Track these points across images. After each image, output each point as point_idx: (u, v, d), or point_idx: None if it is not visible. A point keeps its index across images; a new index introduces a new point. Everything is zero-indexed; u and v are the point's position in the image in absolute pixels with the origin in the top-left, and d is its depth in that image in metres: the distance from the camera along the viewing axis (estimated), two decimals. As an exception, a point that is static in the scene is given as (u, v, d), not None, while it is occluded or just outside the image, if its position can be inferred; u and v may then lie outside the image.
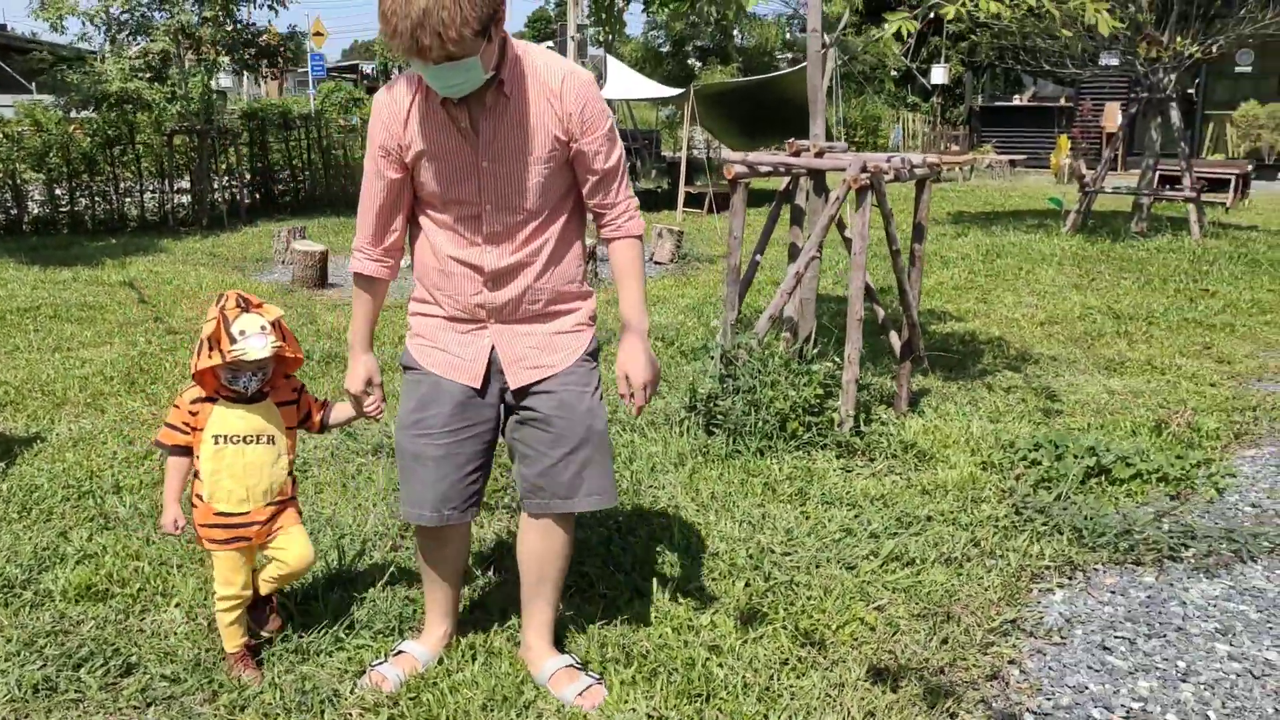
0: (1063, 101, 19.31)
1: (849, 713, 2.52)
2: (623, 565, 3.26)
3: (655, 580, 3.14)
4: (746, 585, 3.15)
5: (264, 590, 2.76)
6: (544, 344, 2.52)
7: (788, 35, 30.24)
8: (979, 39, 13.22)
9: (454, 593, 2.77)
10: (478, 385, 2.51)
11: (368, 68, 37.99)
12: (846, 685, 2.63)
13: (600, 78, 18.19)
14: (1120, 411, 4.97)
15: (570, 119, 2.37)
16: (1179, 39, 10.35)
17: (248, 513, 2.60)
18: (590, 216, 2.56)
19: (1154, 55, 10.29)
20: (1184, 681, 2.72)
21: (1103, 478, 4.01)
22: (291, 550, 2.67)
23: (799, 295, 4.73)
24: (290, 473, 2.68)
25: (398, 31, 2.05)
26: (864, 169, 4.20)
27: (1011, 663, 2.80)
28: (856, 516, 3.64)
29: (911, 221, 4.92)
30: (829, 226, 4.45)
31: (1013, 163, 18.05)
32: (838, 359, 4.63)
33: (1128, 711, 2.58)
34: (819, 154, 4.49)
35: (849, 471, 4.11)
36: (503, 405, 2.57)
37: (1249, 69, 17.88)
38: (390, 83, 2.42)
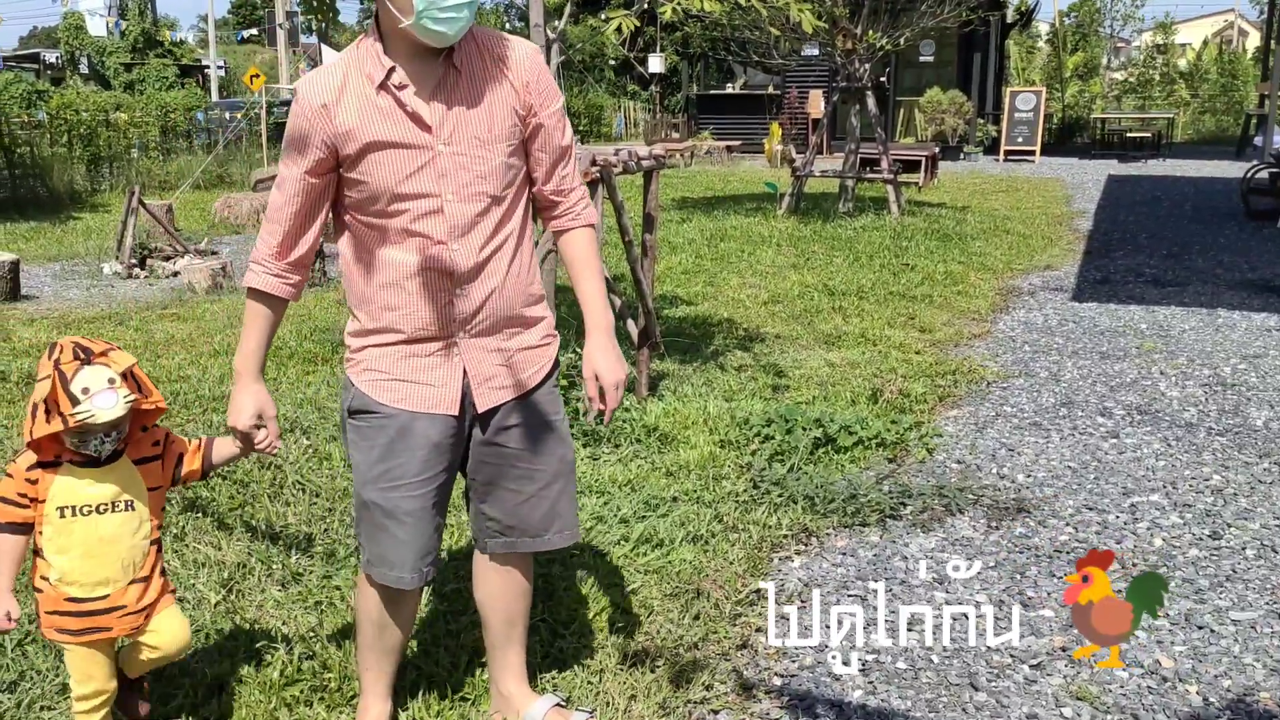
0: (771, 90, 20.37)
1: (611, 699, 2.58)
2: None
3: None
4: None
5: (132, 674, 2.36)
6: (512, 360, 2.24)
7: (506, 25, 30.21)
8: (691, 30, 13.74)
9: (398, 663, 2.45)
10: (456, 412, 2.20)
11: (51, 56, 34.84)
12: (606, 672, 2.69)
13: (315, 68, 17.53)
14: (841, 383, 5.32)
15: (528, 89, 2.15)
16: (870, 32, 11.15)
17: (106, 595, 2.18)
18: (535, 207, 2.31)
19: (849, 47, 11.04)
20: (910, 630, 2.95)
21: (829, 447, 4.29)
22: (163, 633, 2.27)
23: (536, 288, 4.76)
24: (156, 541, 2.27)
25: None
26: (593, 163, 4.28)
27: (759, 630, 2.96)
28: (606, 504, 3.72)
29: (642, 211, 5.06)
30: (562, 219, 4.50)
31: (730, 149, 18.88)
32: (579, 350, 4.70)
33: (864, 664, 2.79)
34: (548, 148, 4.53)
35: (596, 460, 4.19)
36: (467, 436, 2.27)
37: (930, 58, 19.53)
38: (310, 73, 2.14)
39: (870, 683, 2.71)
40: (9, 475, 2.17)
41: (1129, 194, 13.70)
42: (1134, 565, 3.36)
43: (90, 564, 2.17)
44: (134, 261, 8.87)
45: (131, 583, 2.21)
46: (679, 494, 3.85)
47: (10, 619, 2.16)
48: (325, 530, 3.53)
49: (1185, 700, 2.62)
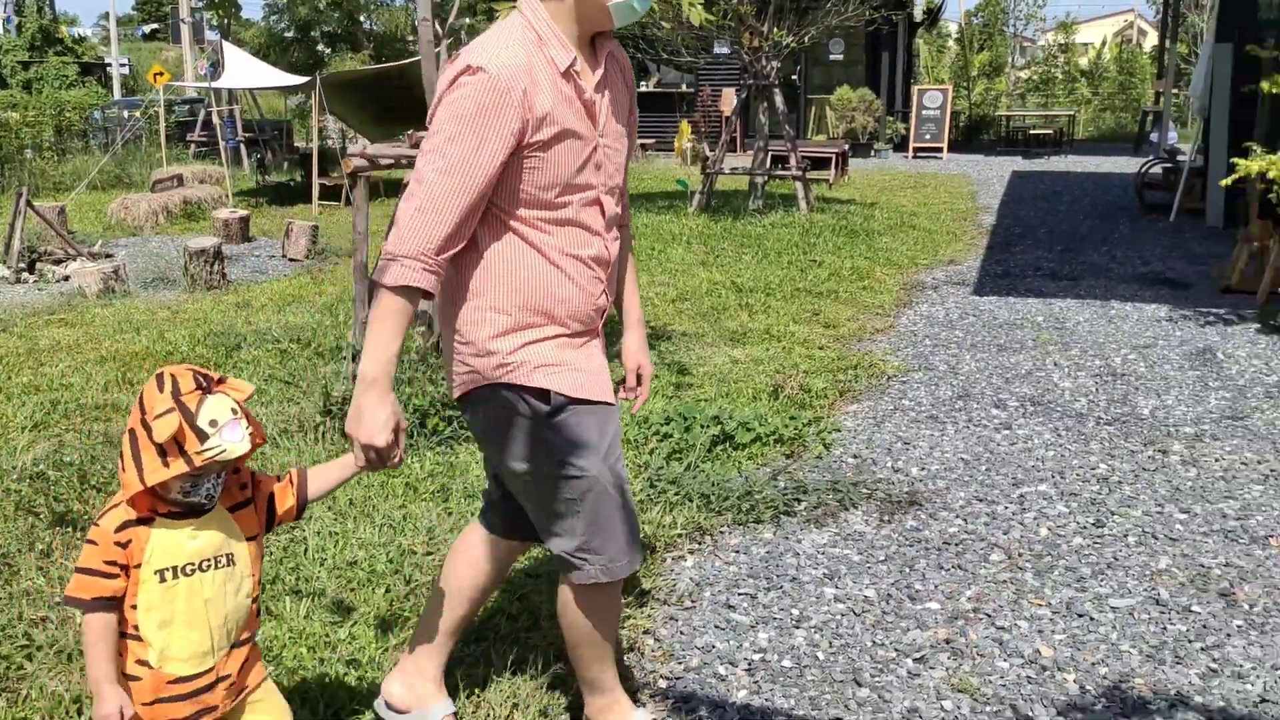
0: (684, 88, 20.43)
1: (491, 708, 2.53)
2: (253, 587, 3.08)
3: (288, 598, 2.99)
4: (387, 591, 3.08)
5: None
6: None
7: (416, 21, 29.86)
8: (602, 28, 13.70)
9: None
10: (613, 400, 2.19)
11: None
12: (491, 680, 2.64)
13: (218, 66, 17.10)
14: (743, 380, 5.32)
15: (630, 89, 2.22)
16: (776, 30, 11.22)
17: (211, 669, 1.89)
18: None
19: (756, 45, 11.10)
20: (798, 628, 2.95)
21: (727, 444, 4.28)
22: (269, 715, 2.02)
23: (431, 289, 4.68)
24: (255, 599, 1.98)
25: None
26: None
27: (646, 632, 2.93)
28: (498, 507, 3.66)
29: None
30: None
31: (644, 146, 18.87)
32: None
33: (749, 664, 2.78)
34: (439, 145, 4.45)
35: (491, 462, 4.13)
36: None
37: (840, 57, 19.76)
38: (488, 50, 1.97)
39: (755, 682, 2.70)
40: (92, 541, 1.81)
41: (1031, 189, 14.00)
42: (1020, 555, 3.41)
43: (194, 634, 1.87)
44: (22, 265, 8.54)
45: (233, 647, 1.94)
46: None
47: (124, 716, 1.80)
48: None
49: (1063, 689, 2.66)
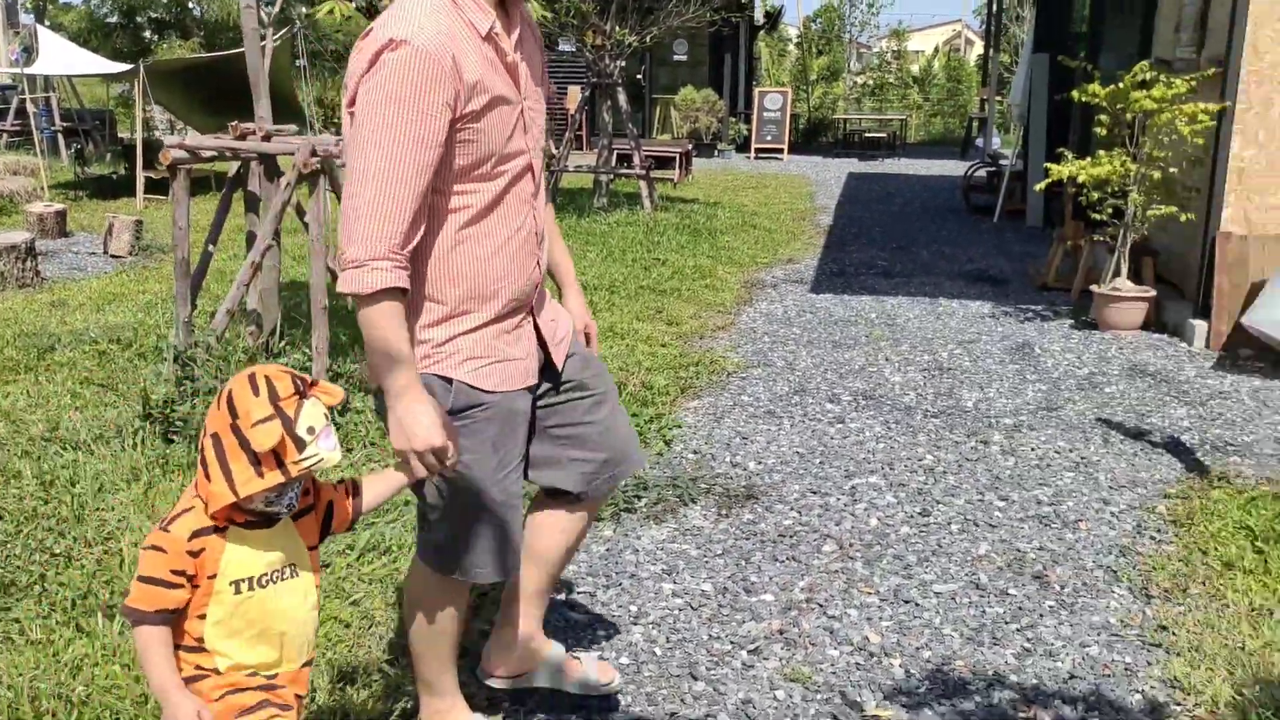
0: (530, 85, 20.35)
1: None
2: (59, 604, 2.90)
3: (100, 615, 2.83)
4: (210, 603, 2.94)
5: None
6: (554, 309, 2.27)
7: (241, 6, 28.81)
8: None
9: None
10: (537, 380, 2.15)
11: None
12: (319, 690, 2.55)
13: (30, 52, 16.11)
14: (584, 377, 5.31)
15: (543, 48, 2.16)
16: (620, 29, 11.27)
17: (275, 675, 1.80)
18: None
19: (599, 43, 11.12)
20: (635, 624, 2.96)
21: (567, 442, 4.26)
22: None
23: (259, 286, 4.51)
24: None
25: None
26: (313, 153, 4.08)
27: (485, 635, 2.88)
28: (331, 511, 3.55)
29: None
30: (283, 213, 4.27)
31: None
32: (308, 350, 4.49)
33: (587, 662, 2.76)
34: (266, 137, 4.29)
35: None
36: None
37: (684, 57, 20.02)
38: (406, 20, 1.84)
39: (592, 680, 2.69)
40: (158, 549, 1.68)
41: (866, 191, 14.48)
42: (851, 545, 3.50)
43: (264, 649, 1.78)
44: None
45: (302, 665, 1.84)
46: (412, 498, 3.71)
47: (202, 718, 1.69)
48: (5, 558, 3.19)
49: (889, 674, 2.74)
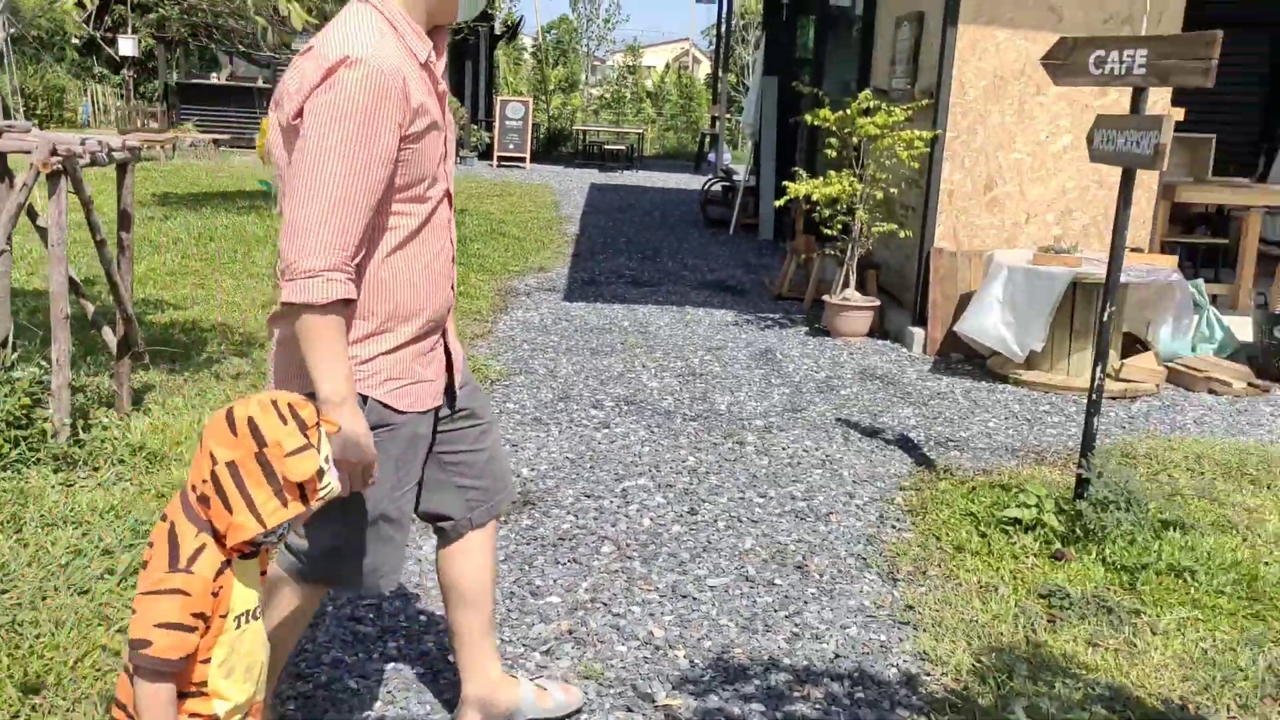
0: (262, 83, 19.45)
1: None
2: None
3: None
4: (-45, 640, 2.70)
5: None
6: (453, 333, 2.28)
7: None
8: (168, 13, 12.72)
9: None
10: (440, 403, 2.18)
11: None
12: (94, 724, 2.41)
13: None
14: (346, 388, 5.20)
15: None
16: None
17: (248, 713, 1.75)
18: None
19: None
20: (426, 634, 2.97)
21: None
22: None
23: (-13, 294, 4.13)
24: None
25: None
26: (54, 152, 3.80)
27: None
28: (85, 534, 3.33)
29: (116, 207, 4.58)
30: (18, 216, 3.95)
31: (217, 142, 17.74)
32: (45, 362, 4.16)
33: (380, 675, 2.75)
34: (-4, 133, 3.95)
35: (71, 485, 3.73)
36: None
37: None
38: (362, 40, 1.87)
39: (389, 693, 2.69)
40: (182, 592, 1.59)
41: (609, 201, 14.86)
42: (628, 545, 3.65)
43: (248, 685, 1.72)
44: None
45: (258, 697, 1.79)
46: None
47: None
48: None
49: (675, 665, 2.90)
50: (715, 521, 3.90)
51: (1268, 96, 11.05)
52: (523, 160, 19.40)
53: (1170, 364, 6.23)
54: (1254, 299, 6.86)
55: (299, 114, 1.89)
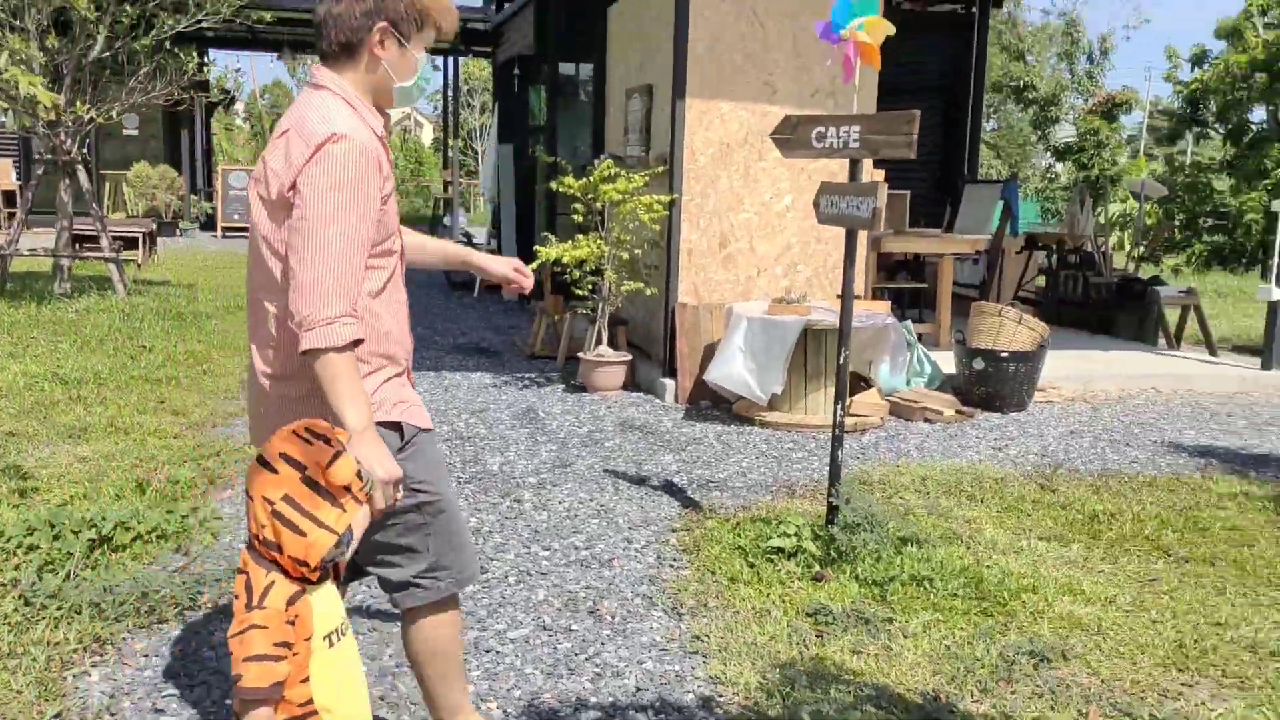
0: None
1: None
2: None
3: None
4: None
5: None
6: None
7: None
8: None
9: None
10: None
11: None
12: None
13: None
14: (99, 478, 4.97)
15: None
16: (79, 103, 10.49)
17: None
18: None
19: (53, 119, 10.26)
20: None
21: (106, 547, 4.02)
22: None
23: None
24: None
25: (449, 5, 2.32)
26: None
27: None
28: None
29: None
30: None
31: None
32: None
33: None
34: None
35: None
36: None
37: (135, 132, 18.84)
38: (342, 118, 2.19)
39: None
40: (260, 626, 1.77)
41: (347, 269, 14.66)
42: (424, 609, 3.73)
43: (357, 702, 1.90)
44: None
45: None
46: None
47: None
48: None
49: (489, 717, 3.02)
50: (506, 577, 4.04)
51: (944, 152, 12.48)
52: (247, 229, 18.79)
53: (890, 398, 6.94)
54: (954, 335, 7.76)
55: (293, 187, 2.16)
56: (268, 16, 13.44)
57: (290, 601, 1.84)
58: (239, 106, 30.57)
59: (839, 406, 4.35)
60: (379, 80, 2.32)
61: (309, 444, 1.88)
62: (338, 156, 2.14)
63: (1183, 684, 3.34)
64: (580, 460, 5.71)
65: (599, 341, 7.47)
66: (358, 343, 2.15)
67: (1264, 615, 3.85)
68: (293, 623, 1.84)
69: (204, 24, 11.01)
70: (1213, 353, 9.29)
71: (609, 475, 5.44)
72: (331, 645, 1.91)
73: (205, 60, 20.28)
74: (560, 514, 4.81)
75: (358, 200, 2.15)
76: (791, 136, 4.41)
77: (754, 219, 7.32)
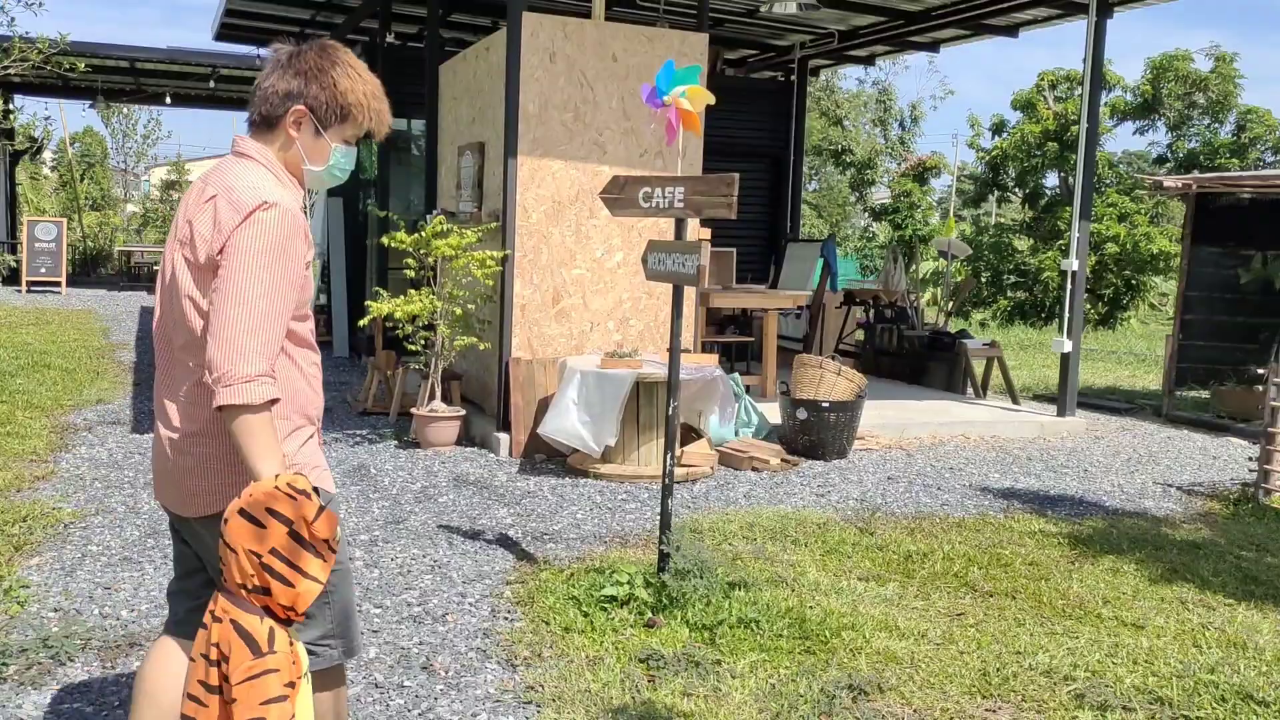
0: None
1: None
2: None
3: None
4: None
5: None
6: None
7: None
8: None
9: None
10: None
11: None
12: None
13: None
14: (-111, 548, 4.64)
15: None
16: None
17: None
18: None
19: None
20: None
21: (-103, 621, 3.76)
22: None
23: None
24: None
25: (381, 110, 2.44)
26: None
27: None
28: None
29: None
30: None
31: None
32: None
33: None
34: None
35: None
36: None
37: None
38: (270, 187, 2.30)
39: None
40: (274, 670, 1.91)
41: (166, 325, 14.09)
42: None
43: None
44: None
45: None
46: None
47: None
48: None
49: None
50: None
51: (770, 214, 13.02)
52: (58, 284, 17.85)
53: (720, 448, 7.16)
54: (779, 387, 8.06)
55: (222, 249, 2.22)
56: (81, 65, 12.93)
57: (290, 643, 2.00)
58: (46, 155, 29.08)
59: (669, 456, 4.49)
60: (292, 158, 2.41)
61: (294, 500, 1.99)
62: (267, 223, 2.22)
63: (987, 710, 3.57)
64: (413, 516, 5.66)
65: (432, 396, 7.44)
66: (273, 402, 2.16)
67: (1058, 643, 4.16)
68: (294, 662, 1.99)
69: (10, 69, 10.52)
70: (1015, 401, 9.94)
71: (443, 530, 5.42)
72: (308, 681, 2.06)
73: (10, 107, 19.31)
74: (392, 571, 4.76)
75: (284, 266, 2.22)
76: (620, 196, 4.57)
77: (586, 275, 7.47)
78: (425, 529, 5.44)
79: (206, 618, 2.04)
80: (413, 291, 7.34)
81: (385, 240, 7.55)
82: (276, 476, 2.04)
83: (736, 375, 7.82)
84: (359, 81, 2.39)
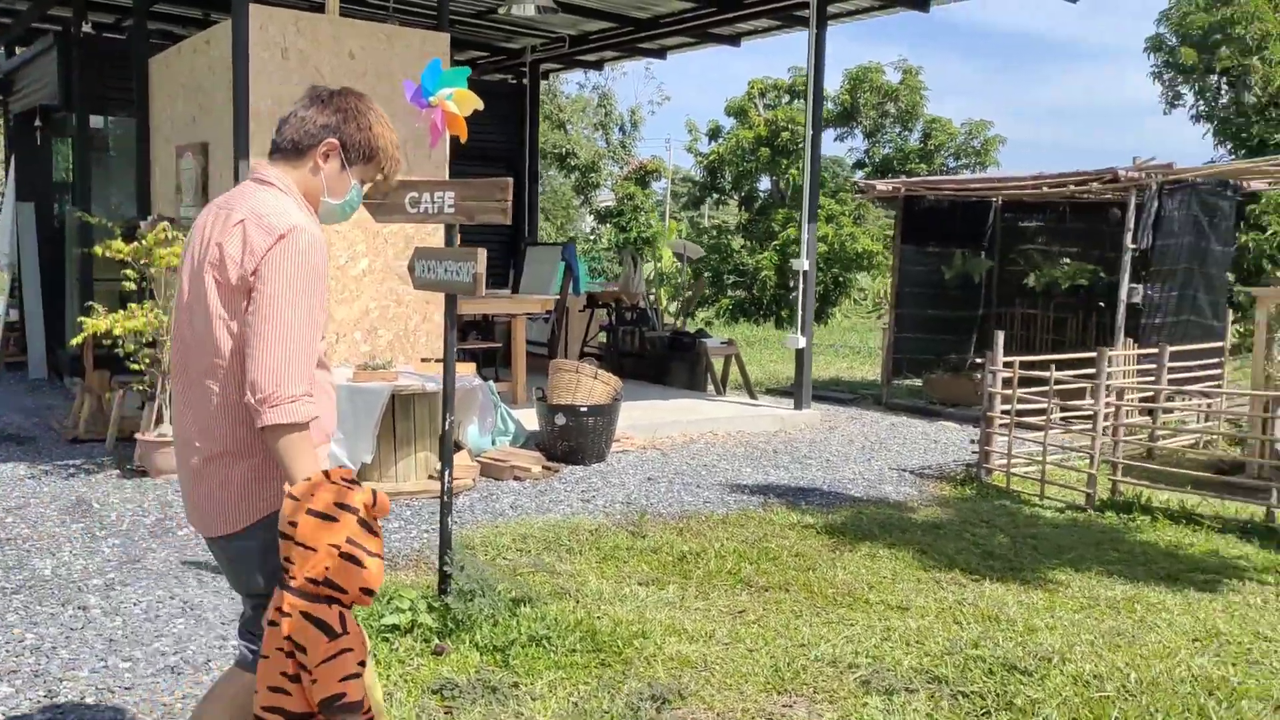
0: None
1: None
2: None
3: None
4: None
5: None
6: None
7: None
8: None
9: None
10: None
11: None
12: None
13: None
14: None
15: None
16: None
17: None
18: None
19: None
20: None
21: None
22: None
23: None
24: None
25: (399, 161, 2.61)
26: None
27: None
28: None
29: None
30: None
31: None
32: None
33: None
34: None
35: None
36: None
37: None
38: (296, 215, 2.37)
39: None
40: (350, 649, 2.17)
41: None
42: (-18, 752, 3.16)
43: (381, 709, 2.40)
44: None
45: None
46: None
47: None
48: None
49: None
50: (84, 699, 3.52)
51: (511, 216, 12.87)
52: None
53: (480, 459, 6.98)
54: (534, 393, 7.97)
55: (255, 271, 2.29)
56: None
57: (358, 623, 2.19)
58: None
59: (446, 472, 4.30)
60: (313, 188, 2.50)
61: (349, 488, 2.17)
62: (299, 247, 2.31)
63: (784, 705, 3.64)
64: (152, 554, 5.14)
65: (159, 420, 6.81)
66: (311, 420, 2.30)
67: (836, 631, 4.31)
68: (363, 642, 2.21)
69: None
70: (753, 396, 10.35)
71: (189, 567, 4.95)
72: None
73: None
74: (138, 617, 4.29)
75: (315, 288, 2.33)
76: (384, 201, 4.32)
77: (331, 284, 7.07)
78: (168, 567, 4.95)
79: (274, 615, 2.18)
80: (134, 305, 6.69)
81: (99, 250, 6.84)
82: (326, 474, 2.20)
83: (492, 383, 7.66)
84: (388, 130, 2.56)
